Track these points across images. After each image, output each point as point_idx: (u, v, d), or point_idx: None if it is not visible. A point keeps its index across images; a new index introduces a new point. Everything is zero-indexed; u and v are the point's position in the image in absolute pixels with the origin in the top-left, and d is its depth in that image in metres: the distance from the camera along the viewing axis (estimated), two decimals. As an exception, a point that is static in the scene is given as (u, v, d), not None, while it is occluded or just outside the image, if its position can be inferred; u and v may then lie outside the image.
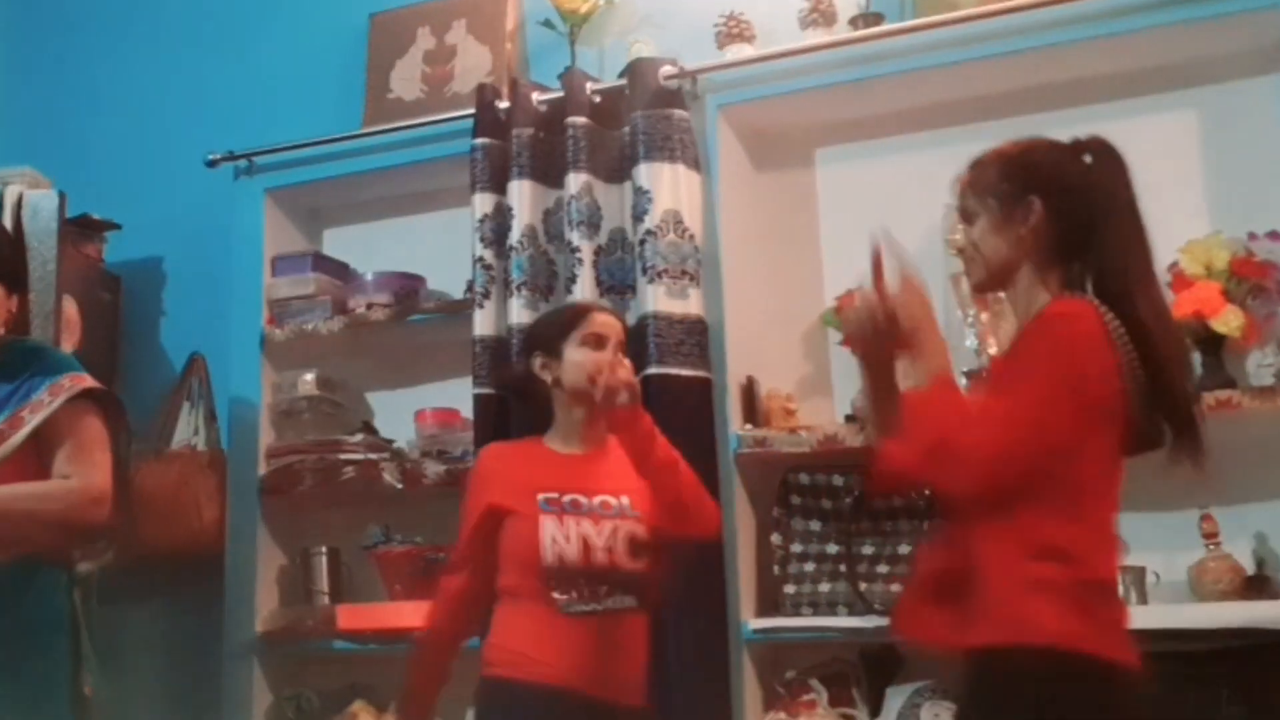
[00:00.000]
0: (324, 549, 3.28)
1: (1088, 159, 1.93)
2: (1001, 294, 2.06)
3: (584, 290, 2.96)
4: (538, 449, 2.45)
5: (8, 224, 3.16)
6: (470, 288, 3.12)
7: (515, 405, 2.51)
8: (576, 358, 2.39)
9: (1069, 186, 1.90)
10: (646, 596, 2.37)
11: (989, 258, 1.94)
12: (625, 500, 2.37)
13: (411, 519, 3.23)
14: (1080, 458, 1.81)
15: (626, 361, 2.37)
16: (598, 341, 2.40)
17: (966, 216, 1.97)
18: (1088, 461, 1.82)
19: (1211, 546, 2.59)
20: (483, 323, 3.05)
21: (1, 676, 2.27)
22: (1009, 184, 1.91)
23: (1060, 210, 1.89)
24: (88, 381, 2.44)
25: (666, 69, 3.04)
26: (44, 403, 2.36)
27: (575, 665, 2.28)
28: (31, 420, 2.34)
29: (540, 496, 2.34)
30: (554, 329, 2.45)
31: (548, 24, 3.28)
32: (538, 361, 2.43)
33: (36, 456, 2.36)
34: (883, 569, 2.74)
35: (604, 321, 2.43)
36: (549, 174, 3.10)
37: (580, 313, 2.46)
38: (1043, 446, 1.77)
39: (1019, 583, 1.78)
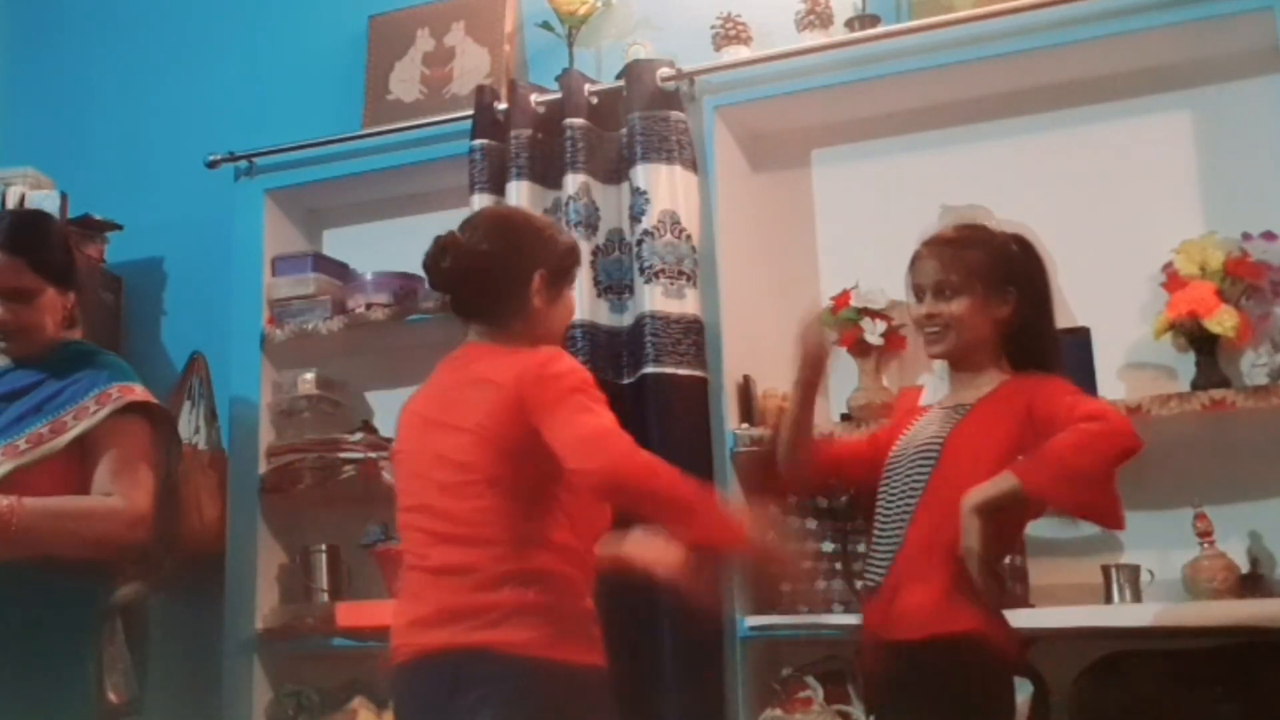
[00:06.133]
0: (324, 547, 3.30)
1: (1028, 256, 2.21)
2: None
3: (582, 290, 2.96)
4: None
5: (10, 224, 3.17)
6: (469, 287, 3.13)
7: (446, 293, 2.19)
8: (570, 304, 2.26)
9: (1032, 282, 2.18)
10: None
11: (969, 334, 2.15)
12: None
13: (410, 517, 3.24)
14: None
15: None
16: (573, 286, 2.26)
17: (944, 289, 2.15)
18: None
19: (1206, 545, 2.59)
20: (481, 322, 3.06)
21: (13, 677, 2.22)
22: (994, 271, 2.14)
23: (1026, 301, 2.17)
24: (136, 393, 2.40)
25: (664, 70, 3.06)
26: (89, 410, 2.33)
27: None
28: (75, 427, 2.31)
29: None
30: (567, 261, 2.20)
31: (546, 26, 3.29)
32: (538, 279, 2.13)
33: (79, 464, 2.32)
34: (878, 567, 2.76)
35: None
36: (547, 175, 3.11)
37: (577, 255, 2.26)
38: None
39: (950, 582, 2.04)
